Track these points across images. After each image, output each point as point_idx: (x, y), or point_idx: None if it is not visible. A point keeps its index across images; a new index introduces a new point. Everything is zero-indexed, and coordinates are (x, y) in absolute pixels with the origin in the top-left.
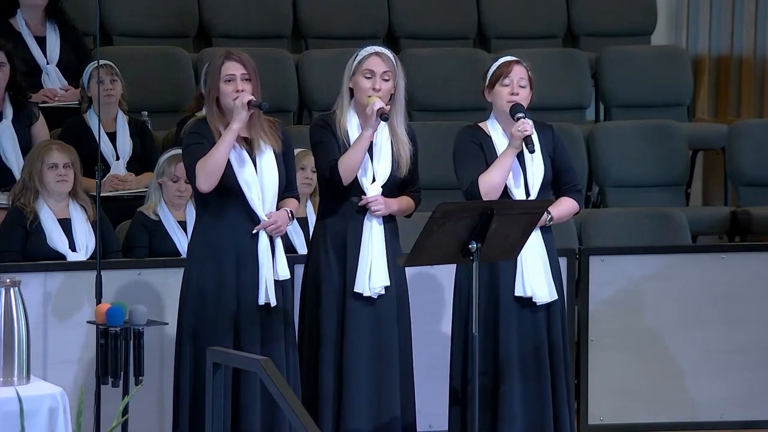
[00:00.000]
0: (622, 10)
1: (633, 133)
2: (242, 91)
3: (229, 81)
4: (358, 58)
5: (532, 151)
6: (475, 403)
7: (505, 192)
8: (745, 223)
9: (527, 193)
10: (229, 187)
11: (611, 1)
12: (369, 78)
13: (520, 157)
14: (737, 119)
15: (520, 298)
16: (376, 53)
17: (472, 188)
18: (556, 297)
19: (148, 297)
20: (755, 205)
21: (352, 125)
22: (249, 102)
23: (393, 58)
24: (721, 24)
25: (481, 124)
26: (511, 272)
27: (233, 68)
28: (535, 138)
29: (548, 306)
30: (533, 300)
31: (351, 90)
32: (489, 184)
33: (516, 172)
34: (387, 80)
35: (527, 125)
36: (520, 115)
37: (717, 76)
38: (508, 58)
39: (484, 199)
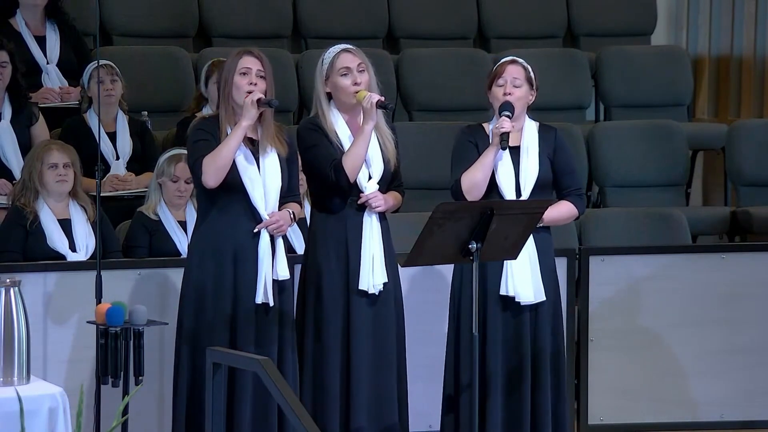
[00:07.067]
0: (622, 10)
1: (633, 133)
2: (255, 85)
3: (244, 74)
4: (328, 60)
5: (504, 148)
6: (475, 403)
7: (497, 191)
8: (745, 223)
9: (518, 193)
10: (232, 184)
11: (611, 1)
12: (346, 75)
13: (515, 156)
14: (737, 119)
15: (505, 297)
16: (345, 50)
17: (456, 186)
18: (543, 298)
19: (148, 297)
20: (755, 205)
21: (339, 126)
22: (258, 100)
23: (361, 51)
24: (721, 24)
25: (484, 124)
26: (499, 271)
27: (250, 62)
28: (533, 139)
29: (536, 307)
30: (516, 300)
31: (328, 94)
32: (470, 182)
33: (508, 171)
34: (362, 71)
35: (504, 122)
36: (505, 113)
37: (717, 76)
38: (507, 58)
39: (466, 196)
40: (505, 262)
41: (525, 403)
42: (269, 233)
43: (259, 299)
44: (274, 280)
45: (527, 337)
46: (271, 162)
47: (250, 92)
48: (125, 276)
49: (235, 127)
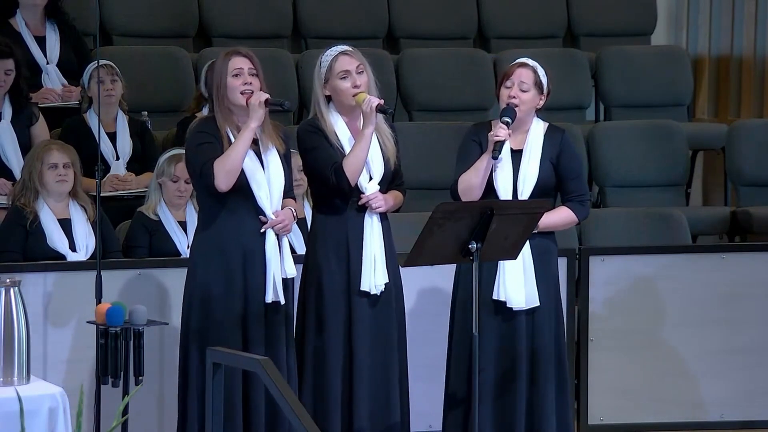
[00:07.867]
0: (622, 10)
1: (633, 133)
2: (250, 84)
3: (237, 75)
4: (326, 63)
5: (494, 158)
6: (475, 404)
7: (494, 194)
8: (745, 223)
9: (515, 196)
10: (239, 185)
11: (611, 1)
12: (345, 78)
13: (516, 159)
14: (737, 119)
15: (497, 301)
16: (342, 52)
17: (453, 186)
18: (536, 304)
19: (148, 297)
20: (755, 205)
21: (339, 127)
22: (266, 100)
23: (358, 52)
24: (721, 24)
25: (493, 122)
26: (492, 275)
27: (241, 63)
28: (537, 142)
29: (532, 311)
30: (508, 305)
31: (327, 97)
32: (465, 184)
33: (507, 174)
34: (361, 73)
35: (500, 131)
36: (504, 119)
37: (717, 76)
38: (519, 60)
39: (462, 198)
40: (499, 266)
41: (518, 406)
42: (275, 233)
43: (269, 298)
44: (282, 279)
45: (522, 341)
46: (274, 160)
47: (243, 92)
48: (125, 276)
49: (243, 130)
